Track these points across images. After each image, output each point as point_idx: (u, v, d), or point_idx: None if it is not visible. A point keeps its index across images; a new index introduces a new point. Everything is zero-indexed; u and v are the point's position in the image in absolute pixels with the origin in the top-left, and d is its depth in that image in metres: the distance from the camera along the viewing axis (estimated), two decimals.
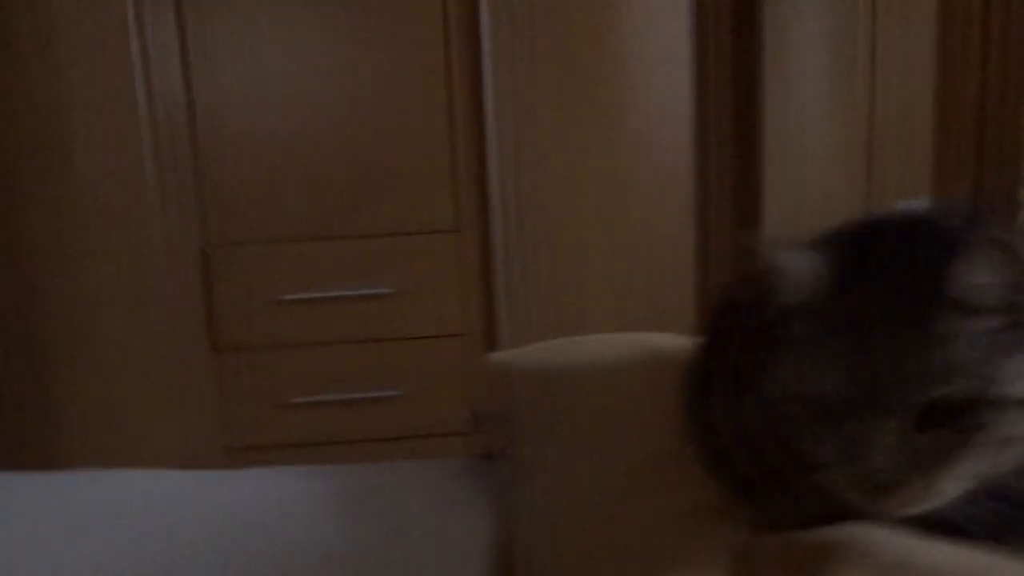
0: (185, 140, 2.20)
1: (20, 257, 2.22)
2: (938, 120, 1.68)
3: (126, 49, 2.13)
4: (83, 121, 2.16)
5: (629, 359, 0.94)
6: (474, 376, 1.07)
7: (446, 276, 2.33)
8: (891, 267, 0.62)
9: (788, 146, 2.46)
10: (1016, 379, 0.58)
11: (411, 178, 2.30)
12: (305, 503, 1.09)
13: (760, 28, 2.39)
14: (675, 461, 0.77)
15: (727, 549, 0.65)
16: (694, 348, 0.83)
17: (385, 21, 2.23)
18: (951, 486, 0.58)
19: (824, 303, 0.62)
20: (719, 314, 0.84)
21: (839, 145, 2.46)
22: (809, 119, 2.56)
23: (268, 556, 0.96)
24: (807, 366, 0.62)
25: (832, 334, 0.61)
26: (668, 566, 0.63)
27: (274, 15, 2.19)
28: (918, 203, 0.64)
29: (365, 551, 0.94)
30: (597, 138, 2.30)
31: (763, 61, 2.56)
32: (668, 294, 2.13)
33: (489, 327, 2.31)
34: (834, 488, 0.61)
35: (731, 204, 2.06)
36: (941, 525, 0.61)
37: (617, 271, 2.31)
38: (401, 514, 1.02)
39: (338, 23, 2.23)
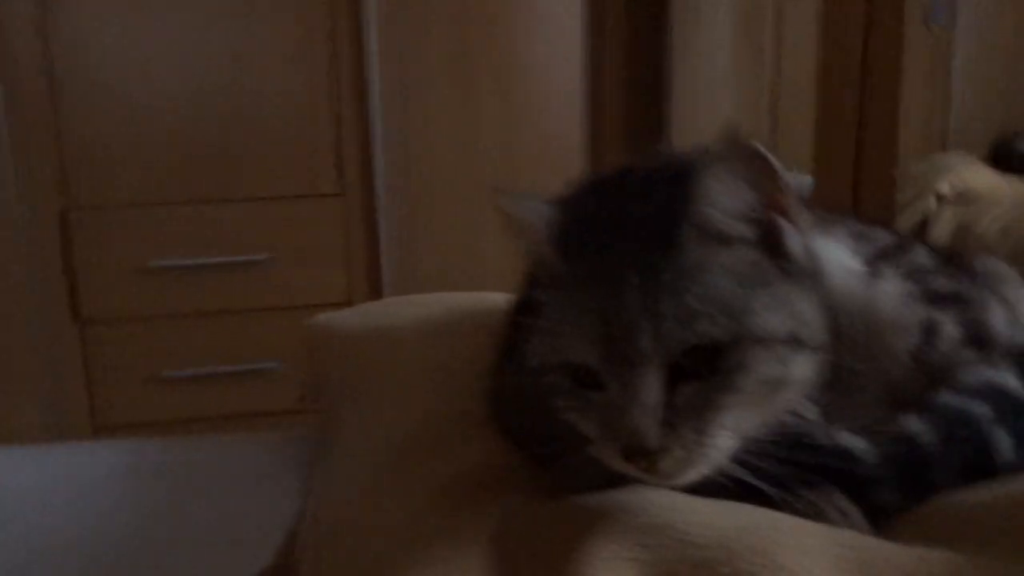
0: (45, 101, 2.03)
1: None
2: (820, 97, 1.67)
3: None
4: None
5: (442, 320, 0.87)
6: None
7: (329, 242, 2.23)
8: (632, 212, 0.56)
9: (693, 118, 2.43)
10: (768, 314, 0.53)
11: (291, 140, 2.18)
12: (114, 478, 0.99)
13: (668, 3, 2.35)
14: (466, 423, 0.70)
15: (491, 518, 0.58)
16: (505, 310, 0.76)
17: None
18: (722, 440, 0.53)
19: (564, 260, 0.57)
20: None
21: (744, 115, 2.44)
22: (715, 91, 2.54)
23: (54, 530, 0.87)
24: (554, 333, 0.56)
25: (572, 295, 0.55)
26: (425, 539, 0.56)
27: None
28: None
29: (157, 526, 0.86)
30: (487, 102, 2.22)
31: (672, 36, 2.52)
32: None
33: (375, 296, 2.22)
34: (603, 459, 0.55)
35: None
36: (721, 487, 0.55)
37: (506, 238, 2.21)
38: (207, 489, 0.94)
39: None
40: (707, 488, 0.55)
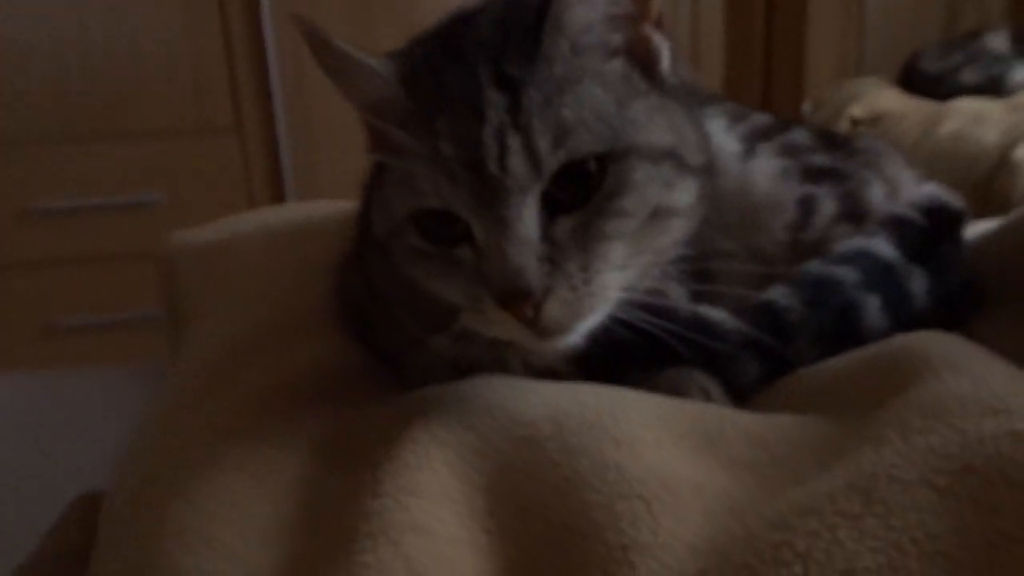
0: None
1: None
2: (729, 31, 1.63)
3: None
4: None
5: (299, 226, 0.80)
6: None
7: (227, 180, 2.11)
8: (484, 35, 0.50)
9: None
10: (649, 124, 0.48)
11: (179, 71, 2.03)
12: None
13: None
14: (304, 326, 0.64)
15: (318, 423, 0.52)
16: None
17: None
18: (611, 278, 0.47)
19: (411, 96, 0.50)
20: None
21: None
22: None
23: None
24: (404, 182, 0.49)
25: (424, 133, 0.48)
26: (242, 442, 0.50)
27: None
28: None
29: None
30: (388, 28, 2.10)
31: None
32: None
33: None
34: (477, 326, 0.48)
35: None
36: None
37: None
38: (60, 422, 0.85)
39: None
40: (585, 359, 0.51)
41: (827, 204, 0.65)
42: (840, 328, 0.56)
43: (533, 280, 0.44)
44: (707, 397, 0.52)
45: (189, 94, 2.05)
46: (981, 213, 2.23)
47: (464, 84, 0.47)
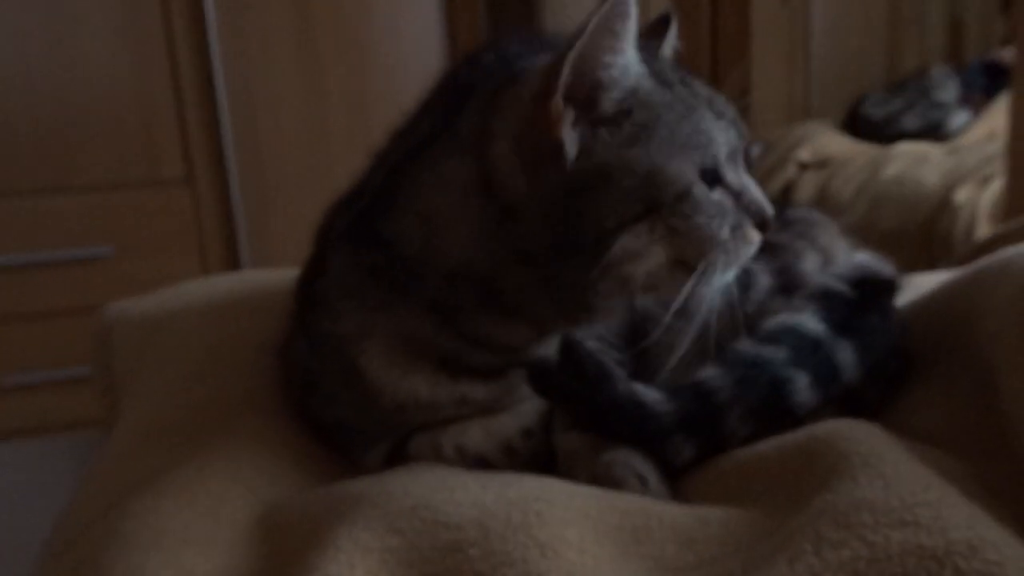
0: None
1: None
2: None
3: None
4: None
5: (238, 299, 0.79)
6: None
7: (178, 232, 2.08)
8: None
9: None
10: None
11: (130, 124, 2.01)
12: None
13: None
14: (235, 406, 0.63)
15: (252, 503, 0.51)
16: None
17: None
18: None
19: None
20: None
21: None
22: None
23: None
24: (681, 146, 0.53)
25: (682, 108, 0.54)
26: (182, 522, 0.49)
27: None
28: None
29: None
30: (339, 77, 2.11)
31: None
32: None
33: None
34: (728, 249, 0.54)
35: None
36: None
37: None
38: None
39: None
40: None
41: (762, 279, 0.67)
42: (771, 405, 0.56)
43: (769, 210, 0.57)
44: (644, 485, 0.52)
45: (138, 146, 2.02)
46: (925, 255, 2.29)
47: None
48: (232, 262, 2.12)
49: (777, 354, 0.59)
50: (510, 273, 0.54)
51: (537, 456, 0.58)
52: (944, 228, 2.09)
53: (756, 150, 2.70)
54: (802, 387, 0.58)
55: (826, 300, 0.65)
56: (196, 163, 2.06)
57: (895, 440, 0.46)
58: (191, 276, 2.10)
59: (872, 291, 0.67)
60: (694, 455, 0.55)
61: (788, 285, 0.68)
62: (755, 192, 0.56)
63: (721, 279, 0.55)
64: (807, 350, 0.59)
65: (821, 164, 2.62)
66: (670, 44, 0.63)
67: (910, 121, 2.56)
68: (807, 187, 2.60)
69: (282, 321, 0.68)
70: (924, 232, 2.14)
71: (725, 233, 0.54)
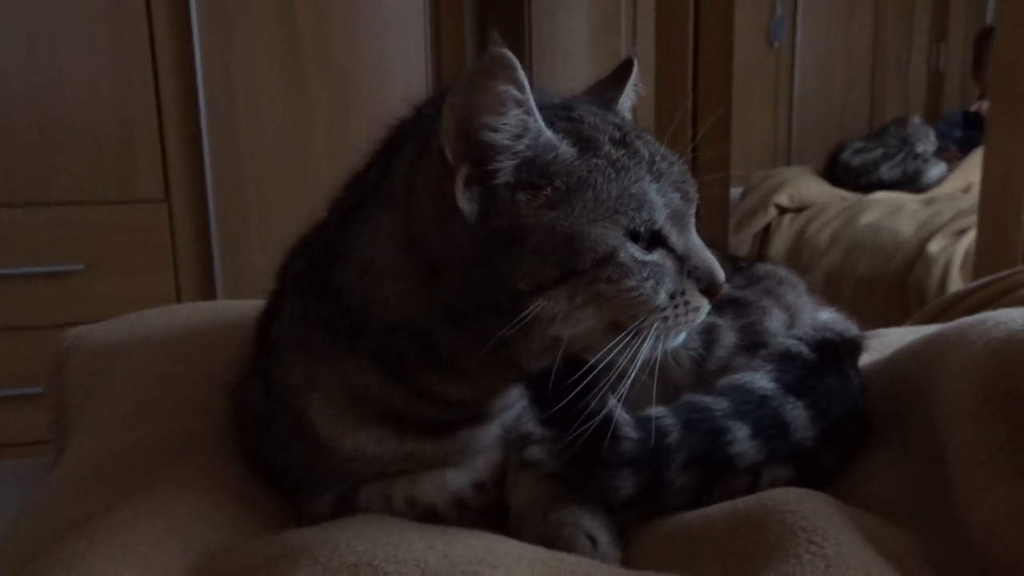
0: None
1: None
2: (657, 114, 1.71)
3: None
4: None
5: (195, 331, 0.77)
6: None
7: (152, 251, 2.05)
8: None
9: None
10: None
11: (109, 140, 1.99)
12: None
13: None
14: (188, 446, 0.61)
15: (188, 553, 0.50)
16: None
17: None
18: None
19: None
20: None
21: None
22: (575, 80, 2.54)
23: None
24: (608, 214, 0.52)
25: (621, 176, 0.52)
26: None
27: None
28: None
29: None
30: (322, 100, 2.11)
31: (529, 38, 2.49)
32: None
33: None
34: (669, 317, 0.53)
35: None
36: None
37: None
38: None
39: None
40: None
41: (728, 335, 0.66)
42: (710, 453, 0.56)
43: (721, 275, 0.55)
44: (594, 547, 0.51)
45: (116, 163, 2.01)
46: (898, 302, 2.31)
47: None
48: (206, 284, 2.10)
49: (719, 404, 0.59)
50: (441, 330, 0.53)
51: (487, 511, 0.57)
52: (918, 277, 2.11)
53: (736, 193, 2.72)
54: (741, 437, 0.57)
55: (783, 361, 0.64)
56: (174, 183, 2.05)
57: (843, 515, 0.45)
58: (163, 296, 2.10)
59: (833, 354, 0.67)
60: (631, 495, 0.55)
61: (753, 343, 0.67)
62: (703, 255, 0.54)
63: (660, 345, 0.53)
64: (750, 404, 0.59)
65: (799, 208, 2.65)
66: (629, 93, 0.62)
67: (888, 171, 2.59)
68: (785, 231, 2.63)
69: (237, 359, 0.67)
70: (898, 280, 2.16)
71: (661, 298, 0.52)
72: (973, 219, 2.12)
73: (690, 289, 0.54)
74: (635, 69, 0.62)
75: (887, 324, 1.03)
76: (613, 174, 0.51)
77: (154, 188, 2.04)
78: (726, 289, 0.65)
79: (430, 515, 0.56)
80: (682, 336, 0.55)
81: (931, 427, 0.56)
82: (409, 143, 0.55)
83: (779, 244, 2.61)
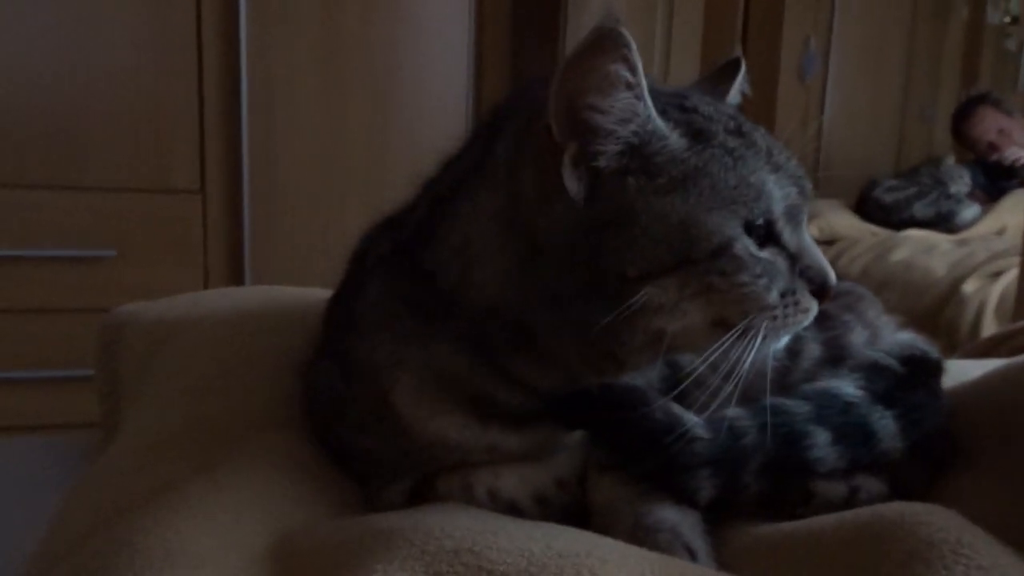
0: None
1: None
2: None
3: None
4: None
5: (253, 314, 0.76)
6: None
7: (183, 242, 2.05)
8: None
9: None
10: None
11: (147, 130, 1.99)
12: None
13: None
14: (240, 426, 0.60)
15: (262, 533, 0.48)
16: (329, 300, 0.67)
17: None
18: None
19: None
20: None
21: None
22: None
23: None
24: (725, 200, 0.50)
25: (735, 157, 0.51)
26: (183, 552, 0.45)
27: None
28: None
29: None
30: (362, 103, 2.11)
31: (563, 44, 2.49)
32: None
33: None
34: (775, 318, 0.51)
35: None
36: None
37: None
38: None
39: None
40: None
41: (812, 348, 0.65)
42: (785, 457, 0.54)
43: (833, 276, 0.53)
44: (693, 558, 0.49)
45: (154, 152, 2.00)
46: (929, 341, 2.26)
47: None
48: (235, 277, 2.09)
49: (800, 408, 0.57)
50: (539, 314, 0.51)
51: (568, 509, 0.55)
52: (950, 317, 2.08)
53: None
54: (821, 443, 0.56)
55: (872, 372, 0.63)
56: (210, 176, 2.05)
57: (973, 525, 0.43)
58: (191, 288, 2.08)
59: (921, 369, 0.65)
60: (711, 496, 0.53)
61: (836, 357, 0.66)
62: (816, 255, 0.53)
63: (767, 346, 0.51)
64: (834, 410, 0.57)
65: (829, 241, 2.63)
66: (737, 88, 0.61)
67: (922, 209, 2.58)
68: None
69: (305, 341, 0.65)
70: (928, 319, 2.13)
71: (773, 297, 0.50)
72: (1009, 261, 2.10)
73: (801, 289, 0.52)
74: (743, 68, 0.60)
75: None
76: (731, 163, 0.50)
77: (190, 179, 2.04)
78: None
79: (511, 509, 0.54)
80: (786, 339, 0.53)
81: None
82: (514, 120, 0.53)
83: None
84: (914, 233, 2.48)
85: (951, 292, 2.13)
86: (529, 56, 2.29)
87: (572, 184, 0.48)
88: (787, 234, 0.52)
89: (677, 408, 0.54)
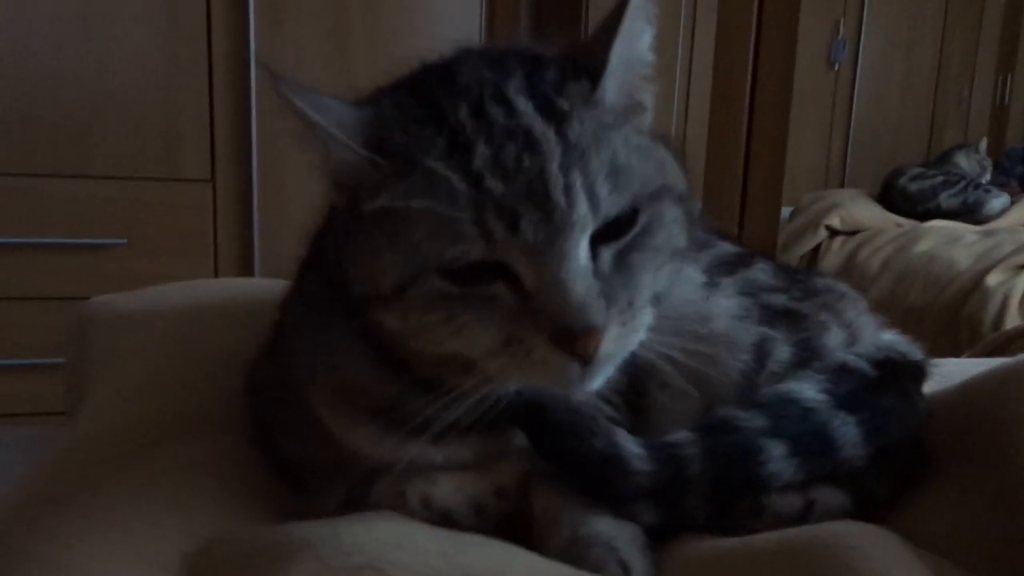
0: None
1: None
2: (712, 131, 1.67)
3: None
4: None
5: (216, 307, 0.74)
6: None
7: (194, 232, 2.05)
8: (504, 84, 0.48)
9: None
10: (670, 167, 0.49)
11: (157, 119, 2.00)
12: None
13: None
14: (201, 423, 0.58)
15: (183, 537, 0.47)
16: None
17: None
18: (646, 314, 0.47)
19: (423, 150, 0.46)
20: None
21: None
22: None
23: None
24: (421, 235, 0.45)
25: (443, 184, 0.44)
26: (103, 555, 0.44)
27: None
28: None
29: None
30: (365, 83, 2.09)
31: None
32: None
33: None
34: (509, 372, 0.45)
35: None
36: None
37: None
38: None
39: None
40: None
41: (782, 349, 0.61)
42: (736, 476, 0.52)
43: (599, 315, 0.43)
44: (625, 574, 0.47)
45: (164, 141, 2.01)
46: (949, 335, 2.22)
47: (507, 120, 0.45)
48: (245, 268, 2.09)
49: (753, 421, 0.53)
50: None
51: (509, 520, 0.53)
52: (973, 310, 2.02)
53: (785, 212, 2.65)
54: (776, 456, 0.52)
55: (838, 374, 0.59)
56: (220, 165, 2.05)
57: (908, 553, 0.40)
58: (202, 276, 2.08)
59: (895, 373, 0.61)
60: (654, 521, 0.51)
61: (808, 360, 0.62)
62: (557, 292, 0.43)
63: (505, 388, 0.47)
64: (791, 417, 0.54)
65: (851, 232, 2.57)
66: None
67: (947, 199, 2.50)
68: (835, 254, 2.55)
69: (258, 339, 0.64)
70: (951, 312, 2.07)
71: (481, 344, 0.44)
72: None
73: (530, 334, 0.43)
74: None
75: (937, 356, 0.97)
76: (426, 191, 0.44)
77: (201, 168, 2.04)
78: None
79: (446, 519, 0.52)
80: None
81: (1002, 467, 0.51)
82: None
83: (828, 266, 2.53)
84: (939, 224, 2.41)
85: (974, 285, 2.06)
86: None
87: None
88: (520, 267, 0.44)
89: (620, 436, 0.51)
